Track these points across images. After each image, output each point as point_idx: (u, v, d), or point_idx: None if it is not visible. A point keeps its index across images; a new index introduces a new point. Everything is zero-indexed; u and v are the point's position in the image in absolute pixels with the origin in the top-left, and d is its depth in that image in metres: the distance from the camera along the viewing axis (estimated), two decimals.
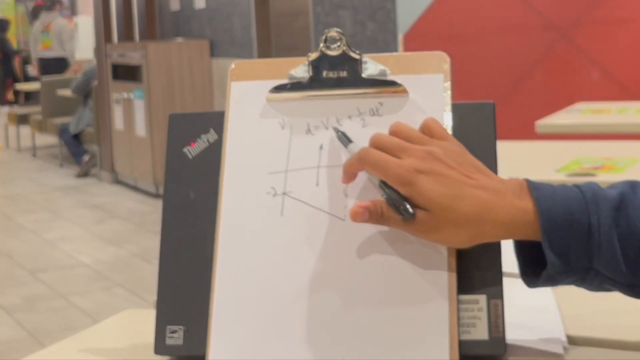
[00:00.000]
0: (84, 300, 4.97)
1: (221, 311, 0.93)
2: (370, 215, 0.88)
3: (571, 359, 0.95)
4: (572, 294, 0.99)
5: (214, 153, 1.00)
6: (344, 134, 0.95)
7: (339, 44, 0.99)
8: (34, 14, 12.65)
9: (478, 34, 5.08)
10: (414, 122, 0.96)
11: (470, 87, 4.88)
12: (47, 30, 11.86)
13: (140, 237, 6.35)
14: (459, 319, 0.91)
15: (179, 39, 8.57)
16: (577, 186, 0.89)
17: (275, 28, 7.59)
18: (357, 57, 0.99)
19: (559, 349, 0.96)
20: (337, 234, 0.94)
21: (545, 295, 1.12)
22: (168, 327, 0.97)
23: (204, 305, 0.95)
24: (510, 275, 0.96)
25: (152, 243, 6.08)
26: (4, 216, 7.34)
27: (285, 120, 0.99)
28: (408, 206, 0.87)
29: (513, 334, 0.95)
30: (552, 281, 0.89)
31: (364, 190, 0.94)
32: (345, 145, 0.94)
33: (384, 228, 0.92)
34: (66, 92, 9.52)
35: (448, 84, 0.98)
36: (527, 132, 3.41)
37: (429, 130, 0.93)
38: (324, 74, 0.99)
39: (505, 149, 2.77)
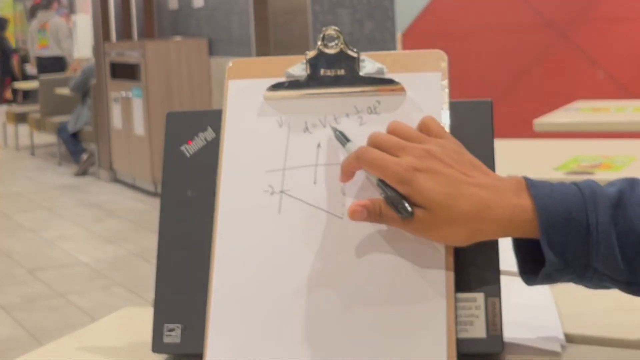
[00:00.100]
0: (83, 299, 4.97)
1: (219, 309, 0.93)
2: (369, 213, 0.88)
3: (569, 357, 0.95)
4: (570, 292, 0.99)
5: (212, 151, 1.00)
6: (341, 133, 0.95)
7: (336, 42, 0.99)
8: (32, 13, 12.64)
9: (476, 32, 5.08)
10: (412, 120, 0.96)
11: (469, 86, 4.88)
12: (43, 29, 11.85)
13: (139, 236, 6.35)
14: (456, 317, 0.91)
15: (178, 38, 8.57)
16: (575, 184, 0.89)
17: (273, 26, 7.59)
18: (354, 55, 0.99)
19: (556, 347, 0.96)
20: (335, 233, 0.94)
21: (543, 293, 1.12)
22: (165, 325, 0.97)
23: (201, 304, 0.95)
24: (508, 273, 0.96)
25: (151, 242, 6.08)
26: (3, 215, 7.34)
27: (283, 119, 0.99)
28: (406, 205, 0.87)
29: (511, 332, 0.95)
30: (550, 279, 0.89)
31: (362, 188, 0.94)
32: (343, 144, 0.94)
33: (382, 226, 0.92)
34: (64, 91, 9.51)
35: (446, 82, 0.98)
36: (525, 131, 3.40)
37: (427, 128, 0.93)
38: (322, 72, 0.99)
39: (504, 148, 2.77)
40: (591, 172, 2.27)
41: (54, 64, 11.62)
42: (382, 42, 6.16)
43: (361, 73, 0.99)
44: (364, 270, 0.92)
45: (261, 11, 7.54)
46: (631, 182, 0.90)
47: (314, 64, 1.00)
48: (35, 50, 12.04)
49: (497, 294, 0.92)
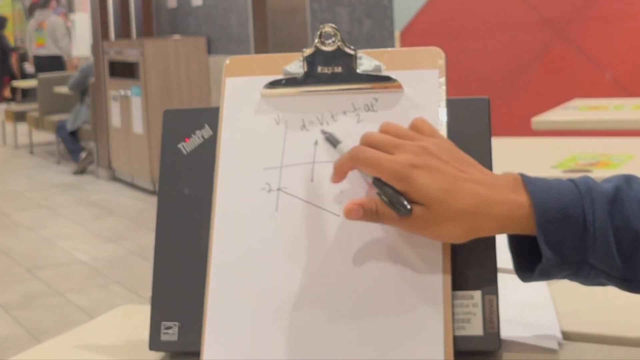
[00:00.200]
0: (81, 298, 4.97)
1: (216, 307, 0.93)
2: (365, 212, 0.88)
3: (566, 355, 0.95)
4: (567, 290, 0.99)
5: (209, 149, 1.00)
6: (332, 135, 0.95)
7: (333, 39, 0.99)
8: (31, 12, 12.63)
9: (475, 30, 5.08)
10: (409, 118, 0.96)
11: (467, 84, 4.88)
12: (40, 28, 11.84)
13: (138, 234, 6.35)
14: (453, 314, 0.91)
15: (176, 36, 8.56)
16: (571, 180, 0.89)
17: (272, 25, 7.59)
18: (351, 52, 0.99)
19: (553, 345, 0.96)
20: (332, 230, 0.94)
21: (540, 291, 1.12)
22: (163, 323, 0.97)
23: (198, 302, 0.95)
24: (505, 271, 0.96)
25: (149, 240, 6.06)
26: (1, 214, 7.33)
27: (280, 116, 0.99)
28: (404, 201, 0.86)
29: (508, 330, 0.96)
30: (547, 275, 0.89)
31: (360, 186, 0.94)
32: (335, 146, 0.94)
33: (379, 224, 0.92)
34: (63, 89, 9.51)
35: (443, 80, 0.98)
36: (523, 129, 3.41)
37: (418, 129, 0.93)
38: (319, 69, 0.99)
39: (502, 146, 2.78)
40: (589, 170, 2.27)
41: (51, 63, 11.61)
42: (380, 40, 6.16)
43: (358, 70, 0.99)
44: (361, 269, 0.92)
45: (260, 10, 7.54)
46: (627, 179, 0.90)
47: (311, 61, 1.00)
48: (33, 49, 12.02)
49: (494, 291, 0.92)
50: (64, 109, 9.69)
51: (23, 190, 8.34)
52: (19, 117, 10.80)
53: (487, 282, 0.92)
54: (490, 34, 5.03)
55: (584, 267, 0.87)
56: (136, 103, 7.95)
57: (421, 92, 0.98)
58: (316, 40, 0.99)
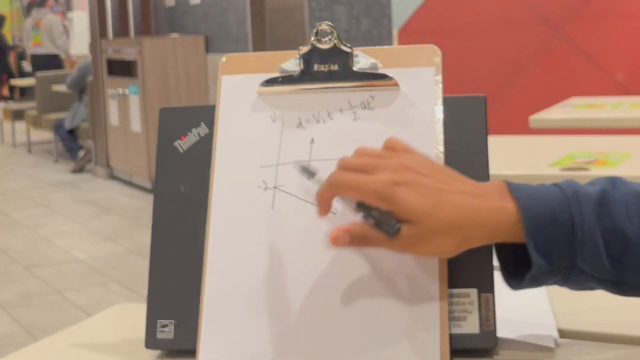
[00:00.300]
0: (80, 296, 4.97)
1: (212, 305, 0.93)
2: (352, 238, 0.86)
3: (562, 353, 0.94)
4: (564, 288, 0.99)
5: (205, 147, 1.00)
6: (307, 166, 0.93)
7: (330, 37, 0.99)
8: (29, 10, 12.62)
9: (473, 29, 5.08)
10: (405, 116, 0.96)
11: (465, 82, 4.88)
12: (37, 27, 11.83)
13: (136, 233, 6.35)
14: (450, 312, 0.91)
15: (174, 35, 8.56)
16: (556, 185, 0.88)
17: (270, 23, 7.58)
18: (348, 50, 0.99)
19: (550, 343, 0.96)
20: (328, 228, 0.93)
21: (536, 289, 1.12)
22: (159, 321, 0.97)
23: (194, 300, 0.94)
24: None
25: (148, 238, 5.95)
26: None
27: (276, 114, 0.99)
28: (393, 221, 0.84)
29: (504, 328, 0.95)
30: (536, 282, 0.88)
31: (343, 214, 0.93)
32: (310, 178, 0.91)
33: None
34: (61, 88, 9.50)
35: (439, 77, 0.98)
36: (521, 127, 3.41)
37: (392, 148, 0.91)
38: (315, 67, 0.99)
39: (500, 144, 2.78)
40: (586, 168, 2.27)
41: (48, 62, 11.59)
42: (378, 38, 6.15)
43: (355, 68, 0.99)
44: (356, 267, 0.92)
45: (258, 8, 7.53)
46: (612, 181, 0.89)
47: (307, 59, 0.99)
48: (30, 47, 12.02)
49: (490, 289, 0.92)
50: (62, 108, 9.68)
51: (21, 188, 8.33)
52: (17, 115, 10.80)
53: (484, 280, 0.92)
54: (489, 33, 5.03)
55: (573, 272, 0.86)
56: (134, 101, 7.94)
57: (417, 89, 0.97)
58: (312, 38, 0.99)
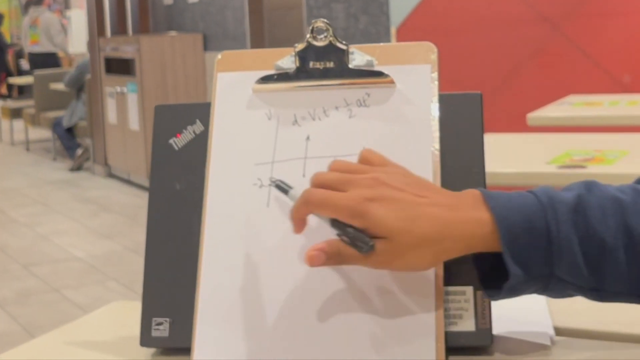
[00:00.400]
0: (78, 294, 4.96)
1: (207, 303, 0.93)
2: (327, 256, 0.85)
3: (558, 351, 0.94)
4: None
5: (200, 144, 1.00)
6: (282, 182, 0.92)
7: (325, 34, 0.99)
8: (26, 8, 12.62)
9: (471, 27, 5.08)
10: (401, 113, 0.96)
11: (463, 80, 4.88)
12: (34, 25, 11.82)
13: (134, 231, 6.34)
14: (445, 310, 0.91)
15: (172, 33, 8.55)
16: (531, 192, 0.87)
17: (268, 21, 7.58)
18: (343, 47, 0.98)
19: (546, 341, 0.96)
20: (324, 226, 0.93)
21: None
22: (154, 319, 0.97)
23: (189, 297, 0.94)
24: None
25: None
26: None
27: (272, 111, 0.99)
28: (366, 238, 0.84)
29: (500, 326, 0.95)
30: (514, 292, 0.87)
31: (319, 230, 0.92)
32: (286, 193, 0.91)
33: None
34: (59, 86, 9.49)
35: (435, 75, 0.97)
36: (518, 125, 3.40)
37: (368, 161, 0.90)
38: (311, 64, 0.99)
39: (497, 142, 2.78)
40: (583, 166, 2.27)
41: (46, 60, 11.59)
42: (376, 36, 6.15)
43: (350, 65, 0.98)
44: (352, 267, 0.92)
45: (256, 6, 7.53)
46: (588, 185, 0.88)
47: (303, 56, 0.99)
48: (27, 46, 12.01)
49: None
50: (60, 106, 9.68)
51: (19, 187, 8.33)
52: (15, 113, 10.79)
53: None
54: (487, 31, 5.03)
55: (551, 281, 0.86)
56: (132, 100, 7.94)
57: (413, 87, 0.97)
58: (308, 35, 0.99)
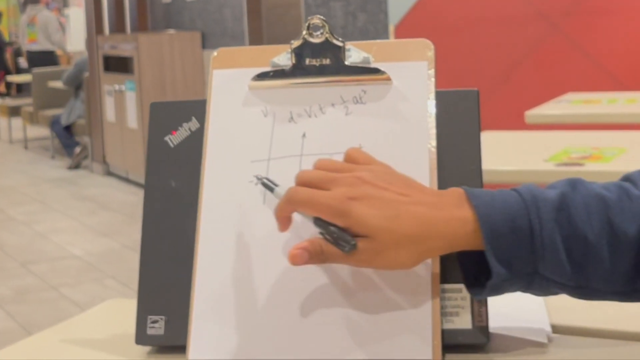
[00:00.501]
0: (75, 292, 4.96)
1: (202, 301, 0.93)
2: (310, 255, 0.85)
3: (555, 348, 0.94)
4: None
5: (196, 141, 1.00)
6: (267, 179, 0.92)
7: (322, 31, 0.98)
8: (24, 6, 12.61)
9: (469, 24, 5.07)
10: (398, 110, 0.95)
11: (461, 78, 4.87)
12: (32, 23, 11.82)
13: (132, 229, 6.34)
14: (442, 307, 0.91)
15: (171, 31, 8.55)
16: (515, 190, 0.87)
17: (266, 20, 7.57)
18: (340, 44, 0.98)
19: (543, 338, 0.95)
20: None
21: None
22: (149, 317, 0.97)
23: (185, 295, 0.94)
24: None
25: None
26: None
27: (268, 108, 0.98)
28: (348, 237, 0.84)
29: (497, 323, 0.95)
30: (498, 290, 0.87)
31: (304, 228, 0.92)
32: (271, 191, 0.91)
33: None
34: (58, 84, 9.49)
35: (432, 71, 0.97)
36: (517, 123, 3.40)
37: (353, 159, 0.90)
38: (307, 61, 0.99)
39: (495, 139, 2.78)
40: (581, 164, 2.26)
41: (44, 59, 11.58)
42: (375, 34, 6.15)
43: (347, 62, 0.98)
44: (346, 265, 0.91)
45: (254, 4, 7.51)
46: (572, 183, 0.88)
47: (299, 53, 0.99)
48: (25, 44, 12.00)
49: None
50: (58, 104, 9.67)
51: (17, 185, 8.32)
52: (14, 111, 10.79)
53: None
54: (485, 28, 5.02)
55: (535, 279, 0.85)
56: (130, 98, 7.94)
57: (410, 84, 0.97)
58: (304, 32, 0.98)
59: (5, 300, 4.88)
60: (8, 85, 14.50)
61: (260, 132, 0.97)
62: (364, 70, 0.97)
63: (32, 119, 10.04)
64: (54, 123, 9.32)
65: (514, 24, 4.91)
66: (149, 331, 0.96)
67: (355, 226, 0.83)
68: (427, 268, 0.90)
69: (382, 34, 6.04)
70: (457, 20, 5.11)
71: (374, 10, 6.19)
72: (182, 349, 0.92)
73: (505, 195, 0.86)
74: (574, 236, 0.84)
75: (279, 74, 0.99)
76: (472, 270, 0.90)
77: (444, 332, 0.89)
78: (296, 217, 0.89)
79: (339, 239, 0.84)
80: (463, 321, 0.91)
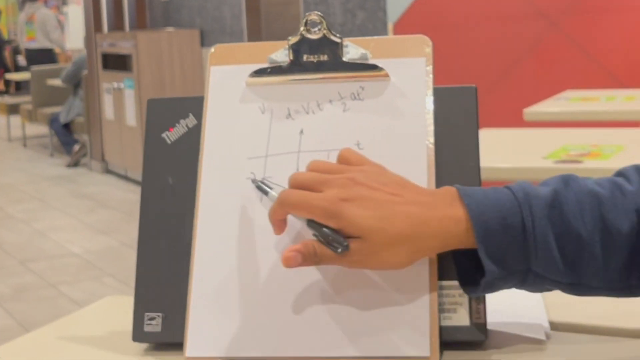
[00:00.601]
0: (74, 290, 4.96)
1: (199, 298, 0.93)
2: (304, 257, 0.85)
3: (553, 345, 0.94)
4: None
5: (193, 138, 0.99)
6: (262, 182, 0.92)
7: (319, 27, 0.98)
8: (23, 4, 12.61)
9: (468, 22, 5.07)
10: (395, 106, 0.95)
11: (460, 75, 4.87)
12: (30, 21, 11.81)
13: (130, 227, 6.34)
14: (440, 304, 0.90)
15: (170, 29, 8.54)
16: (507, 187, 0.87)
17: (265, 17, 7.57)
18: (337, 40, 0.98)
19: (541, 335, 0.95)
20: None
21: None
22: (146, 314, 0.96)
23: (182, 292, 0.94)
24: None
25: None
26: None
27: (265, 105, 0.98)
28: (340, 238, 0.84)
29: (495, 320, 0.95)
30: (492, 287, 0.87)
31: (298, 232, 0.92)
32: (265, 194, 0.92)
33: None
34: (56, 82, 9.49)
35: (430, 68, 0.97)
36: (515, 120, 3.40)
37: (346, 160, 0.91)
38: (305, 57, 0.98)
39: (494, 137, 2.77)
40: (580, 161, 2.26)
41: (42, 57, 11.57)
42: (374, 32, 6.15)
43: (344, 59, 0.98)
44: None
45: (253, 2, 7.52)
46: (565, 180, 0.88)
47: (296, 49, 0.99)
48: (24, 42, 11.99)
49: None
50: (57, 102, 9.67)
51: (16, 182, 8.32)
52: (12, 109, 10.78)
53: None
54: (484, 26, 5.02)
55: (528, 276, 0.86)
56: (129, 95, 7.93)
57: (408, 80, 0.97)
58: (302, 28, 0.98)
59: (4, 298, 4.88)
60: (7, 83, 14.50)
61: (257, 129, 0.97)
62: (362, 67, 0.97)
63: (31, 116, 10.03)
64: (52, 121, 9.32)
65: (512, 22, 4.91)
66: (146, 328, 0.96)
67: (348, 227, 0.84)
68: (425, 265, 0.90)
69: (381, 31, 6.04)
70: (455, 18, 5.11)
71: (373, 8, 6.19)
72: (179, 345, 0.92)
73: (497, 194, 0.86)
74: (567, 233, 0.84)
75: (276, 70, 0.99)
76: (467, 268, 0.90)
77: (441, 329, 0.89)
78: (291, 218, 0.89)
79: (332, 241, 0.84)
80: (461, 318, 0.91)
